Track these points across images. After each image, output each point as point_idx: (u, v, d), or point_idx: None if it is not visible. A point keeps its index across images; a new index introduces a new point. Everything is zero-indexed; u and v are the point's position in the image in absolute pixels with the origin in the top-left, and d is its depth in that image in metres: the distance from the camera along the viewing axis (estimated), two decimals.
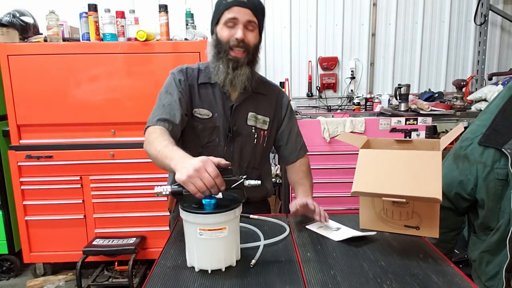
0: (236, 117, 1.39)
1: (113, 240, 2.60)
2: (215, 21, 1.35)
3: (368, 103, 3.38)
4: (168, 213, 1.52)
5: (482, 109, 1.65)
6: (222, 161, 0.95)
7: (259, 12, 1.34)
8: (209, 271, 0.96)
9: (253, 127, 1.42)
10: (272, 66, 3.52)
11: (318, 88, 3.52)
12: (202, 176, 0.89)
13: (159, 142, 1.11)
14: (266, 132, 1.45)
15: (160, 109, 1.28)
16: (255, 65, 1.38)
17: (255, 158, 1.45)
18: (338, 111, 3.50)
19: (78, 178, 2.62)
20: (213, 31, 1.37)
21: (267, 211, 1.47)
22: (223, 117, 1.38)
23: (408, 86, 2.90)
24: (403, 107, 2.87)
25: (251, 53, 1.34)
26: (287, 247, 1.12)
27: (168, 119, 1.25)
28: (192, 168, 0.90)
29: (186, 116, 1.33)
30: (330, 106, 3.53)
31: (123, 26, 2.54)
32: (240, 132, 1.40)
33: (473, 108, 2.95)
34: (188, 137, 1.39)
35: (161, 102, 1.31)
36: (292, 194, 2.80)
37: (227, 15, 1.30)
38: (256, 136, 1.42)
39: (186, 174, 0.90)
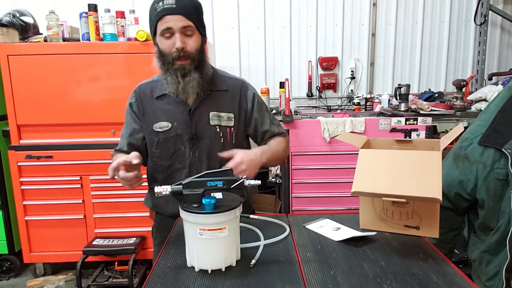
0: (196, 120, 1.37)
1: (113, 240, 2.60)
2: (153, 32, 1.32)
3: (368, 103, 3.38)
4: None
5: (482, 109, 1.65)
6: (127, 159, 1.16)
7: (192, 14, 1.28)
8: (209, 271, 0.96)
9: (218, 126, 1.39)
10: (272, 66, 3.52)
11: (318, 88, 3.52)
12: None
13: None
14: (232, 128, 1.41)
15: (121, 139, 1.45)
16: (204, 68, 1.35)
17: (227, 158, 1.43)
18: (338, 111, 3.50)
19: (78, 178, 2.63)
20: (154, 42, 1.34)
21: (249, 213, 1.39)
22: (182, 124, 1.36)
23: (408, 86, 2.90)
24: (403, 107, 2.87)
25: (196, 58, 1.31)
26: (287, 247, 1.12)
27: (119, 149, 1.43)
28: None
29: (139, 136, 1.42)
30: (330, 106, 3.53)
31: (123, 26, 2.54)
32: (202, 134, 1.37)
33: (473, 108, 2.94)
34: (156, 152, 1.40)
35: (122, 131, 1.46)
36: (292, 194, 2.81)
37: (161, 26, 1.27)
38: (222, 134, 1.40)
39: None
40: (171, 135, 1.37)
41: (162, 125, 1.37)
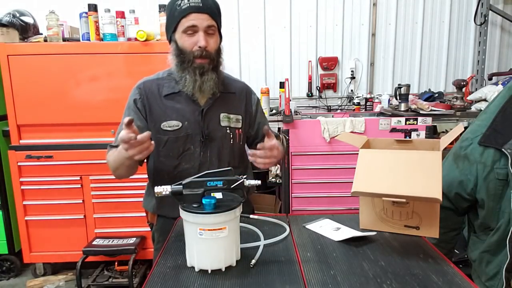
0: (208, 120, 1.37)
1: (113, 240, 2.60)
2: (172, 29, 1.32)
3: (368, 103, 3.38)
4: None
5: (482, 109, 1.65)
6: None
7: (216, 14, 1.31)
8: (209, 271, 0.96)
9: (228, 128, 1.40)
10: (272, 66, 3.52)
11: (318, 88, 3.52)
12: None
13: (112, 156, 1.32)
14: (240, 130, 1.44)
15: (116, 136, 1.37)
16: (219, 69, 1.36)
17: (234, 158, 1.43)
18: (338, 111, 3.49)
19: (78, 178, 2.63)
20: (171, 38, 1.35)
21: (249, 211, 1.41)
22: (194, 124, 1.36)
23: (408, 86, 2.90)
24: (403, 107, 2.87)
25: (215, 59, 1.33)
26: (287, 247, 1.12)
27: (116, 146, 1.33)
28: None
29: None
30: (330, 106, 3.53)
31: (123, 26, 2.54)
32: (214, 135, 1.38)
33: (473, 108, 2.94)
34: (163, 151, 1.38)
35: (119, 129, 1.40)
36: (292, 194, 2.81)
37: (185, 23, 1.27)
38: (232, 136, 1.41)
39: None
40: (181, 135, 1.36)
41: (171, 124, 1.35)
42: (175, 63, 1.34)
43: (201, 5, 1.26)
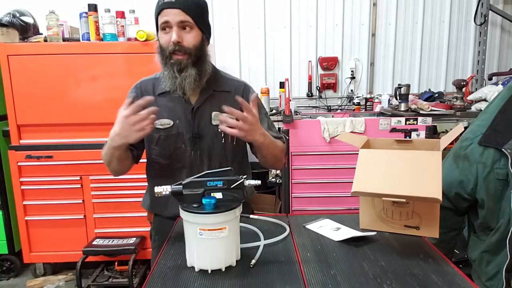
0: (199, 119, 1.37)
1: (113, 240, 2.60)
2: (156, 28, 1.34)
3: (368, 103, 3.38)
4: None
5: (482, 109, 1.65)
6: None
7: (191, 9, 1.27)
8: (209, 271, 0.96)
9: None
10: (272, 66, 3.52)
11: (318, 88, 3.52)
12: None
13: (104, 150, 1.33)
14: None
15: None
16: (203, 65, 1.33)
17: (226, 158, 1.41)
18: (338, 111, 3.50)
19: (78, 178, 2.63)
20: (158, 38, 1.36)
21: (248, 213, 1.37)
22: (185, 122, 1.36)
23: (408, 86, 2.90)
24: (403, 107, 2.87)
25: (194, 54, 1.30)
26: (287, 247, 1.12)
27: None
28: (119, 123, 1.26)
29: None
30: (330, 106, 3.53)
31: (123, 26, 2.54)
32: (204, 133, 1.37)
33: (473, 108, 2.95)
34: (155, 150, 1.39)
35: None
36: (292, 194, 2.81)
37: (160, 19, 1.28)
38: (223, 135, 1.39)
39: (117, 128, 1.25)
40: (172, 133, 1.36)
41: (163, 122, 1.37)
42: (159, 61, 1.35)
43: (173, 0, 1.26)
